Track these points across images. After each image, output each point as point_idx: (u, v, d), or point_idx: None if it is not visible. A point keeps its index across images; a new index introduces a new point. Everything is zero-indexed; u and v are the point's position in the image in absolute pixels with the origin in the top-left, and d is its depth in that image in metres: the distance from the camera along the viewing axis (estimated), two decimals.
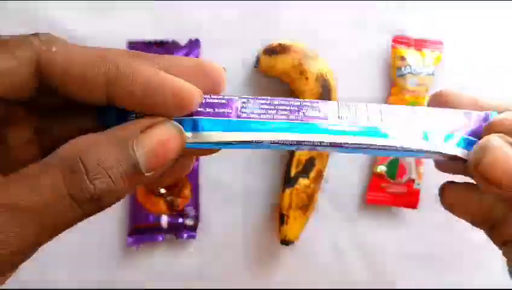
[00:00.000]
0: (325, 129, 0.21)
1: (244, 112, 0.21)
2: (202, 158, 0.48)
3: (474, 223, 0.23)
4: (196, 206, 0.48)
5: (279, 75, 0.47)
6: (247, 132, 0.20)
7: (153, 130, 0.17)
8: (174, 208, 0.47)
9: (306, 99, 0.22)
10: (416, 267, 0.50)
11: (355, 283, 0.50)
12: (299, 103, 0.21)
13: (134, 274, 0.48)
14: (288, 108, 0.21)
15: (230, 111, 0.21)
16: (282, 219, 0.46)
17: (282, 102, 0.21)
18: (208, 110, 0.20)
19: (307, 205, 0.46)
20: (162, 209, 0.47)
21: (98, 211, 0.18)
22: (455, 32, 0.50)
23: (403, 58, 0.48)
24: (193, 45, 0.47)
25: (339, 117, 0.21)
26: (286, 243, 0.47)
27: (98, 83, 0.17)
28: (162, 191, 0.47)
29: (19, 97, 0.18)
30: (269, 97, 0.21)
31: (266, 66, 0.46)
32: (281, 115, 0.21)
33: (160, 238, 0.48)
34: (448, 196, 0.23)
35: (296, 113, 0.21)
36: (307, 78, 0.45)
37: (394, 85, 0.48)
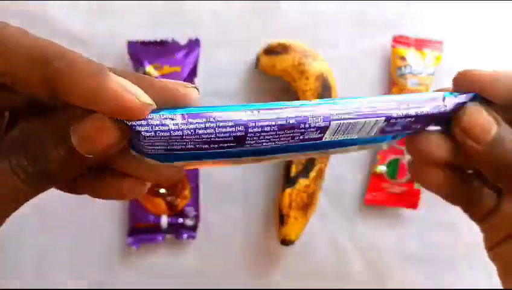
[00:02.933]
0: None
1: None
2: None
3: (448, 199, 0.25)
4: (196, 206, 0.48)
5: (279, 75, 0.47)
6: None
7: (90, 117, 0.18)
8: (174, 208, 0.47)
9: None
10: (416, 267, 0.50)
11: (355, 283, 0.50)
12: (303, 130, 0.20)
13: (134, 274, 0.48)
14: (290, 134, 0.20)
15: None
16: (282, 219, 0.46)
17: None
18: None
19: (307, 205, 0.46)
20: (162, 209, 0.47)
21: (46, 186, 0.19)
22: (455, 32, 0.50)
23: (403, 58, 0.48)
24: (193, 45, 0.47)
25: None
26: (286, 243, 0.47)
27: (38, 85, 0.18)
28: (162, 191, 0.47)
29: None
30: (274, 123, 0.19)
31: (266, 66, 0.46)
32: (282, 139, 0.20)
33: (160, 238, 0.48)
34: (414, 172, 0.25)
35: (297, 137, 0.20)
36: (307, 78, 0.45)
37: (394, 85, 0.48)
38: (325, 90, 0.45)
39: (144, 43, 0.47)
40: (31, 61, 0.17)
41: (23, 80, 0.17)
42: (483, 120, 0.22)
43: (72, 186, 0.22)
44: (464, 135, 0.22)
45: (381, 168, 0.49)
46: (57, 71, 0.17)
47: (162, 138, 0.18)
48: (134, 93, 0.18)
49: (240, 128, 0.18)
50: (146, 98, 0.18)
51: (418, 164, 0.25)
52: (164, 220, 0.47)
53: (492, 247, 0.24)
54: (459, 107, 0.23)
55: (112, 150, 0.19)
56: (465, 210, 0.25)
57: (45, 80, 0.17)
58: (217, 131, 0.18)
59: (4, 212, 0.19)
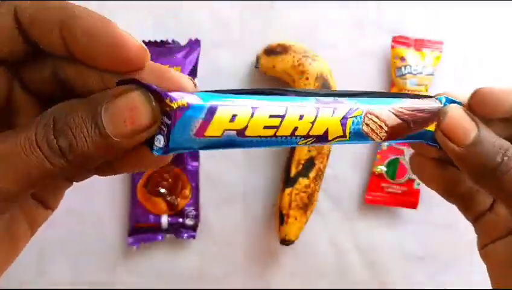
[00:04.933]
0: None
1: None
2: (202, 158, 0.48)
3: (445, 196, 0.26)
4: (196, 206, 0.48)
5: (279, 75, 0.47)
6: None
7: (122, 96, 0.18)
8: (174, 208, 0.48)
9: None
10: (416, 267, 0.50)
11: (355, 283, 0.50)
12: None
13: (134, 274, 0.48)
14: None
15: None
16: (282, 219, 0.46)
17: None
18: None
19: (306, 205, 0.46)
20: (162, 209, 0.47)
21: (68, 170, 0.18)
22: (455, 32, 0.50)
23: (402, 59, 0.48)
24: (193, 45, 0.47)
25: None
26: (286, 243, 0.47)
27: (52, 25, 0.18)
28: (162, 191, 0.47)
29: (14, 56, 0.19)
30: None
31: (266, 66, 0.46)
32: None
33: (160, 238, 0.48)
34: (413, 165, 0.26)
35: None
36: (307, 78, 0.45)
37: (394, 85, 0.49)
38: None
39: (144, 44, 0.46)
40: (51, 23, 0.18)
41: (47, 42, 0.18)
42: (463, 123, 0.22)
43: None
44: (444, 137, 0.22)
45: (381, 168, 0.49)
46: (69, 16, 0.18)
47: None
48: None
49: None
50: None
51: (417, 157, 0.26)
52: (164, 220, 0.47)
53: (484, 246, 0.25)
54: (441, 108, 0.23)
55: (141, 136, 0.18)
56: (461, 209, 0.26)
57: (59, 23, 0.18)
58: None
59: (26, 186, 0.18)
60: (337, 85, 0.46)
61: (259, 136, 0.19)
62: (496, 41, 0.50)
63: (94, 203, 0.48)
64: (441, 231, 0.50)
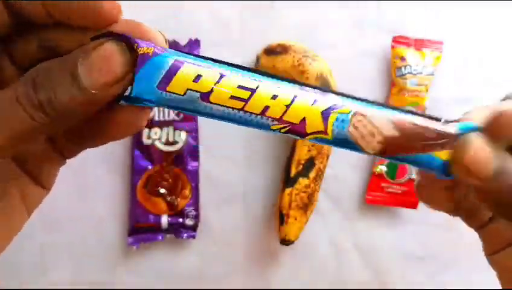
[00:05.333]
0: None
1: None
2: (202, 158, 0.48)
3: (450, 213, 0.25)
4: (196, 206, 0.48)
5: None
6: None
7: (97, 48, 0.19)
8: (174, 208, 0.48)
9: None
10: (416, 267, 0.50)
11: (355, 283, 0.50)
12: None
13: (134, 274, 0.48)
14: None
15: None
16: (282, 219, 0.46)
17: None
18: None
19: (306, 205, 0.46)
20: (162, 209, 0.47)
21: (49, 125, 0.19)
22: (455, 32, 0.50)
23: (402, 58, 0.48)
24: (193, 45, 0.47)
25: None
26: (286, 243, 0.47)
27: None
28: (162, 191, 0.47)
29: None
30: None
31: (266, 66, 0.46)
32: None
33: (160, 238, 0.48)
34: (421, 194, 0.25)
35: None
36: (307, 78, 0.45)
37: (394, 85, 0.48)
38: None
39: None
40: None
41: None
42: (485, 154, 0.20)
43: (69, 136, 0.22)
44: (466, 170, 0.20)
45: (381, 168, 0.49)
46: None
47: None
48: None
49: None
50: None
51: (425, 187, 0.25)
52: (164, 220, 0.47)
53: (491, 254, 0.24)
54: (456, 136, 0.20)
55: (116, 87, 0.19)
56: (464, 220, 0.25)
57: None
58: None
59: (11, 141, 0.19)
60: (337, 85, 0.46)
61: (226, 106, 0.19)
62: (496, 42, 0.50)
63: (94, 203, 0.48)
64: (441, 231, 0.50)
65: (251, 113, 0.19)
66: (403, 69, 0.48)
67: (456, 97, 0.50)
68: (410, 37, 0.48)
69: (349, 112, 0.19)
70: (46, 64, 0.19)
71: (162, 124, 0.47)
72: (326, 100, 0.19)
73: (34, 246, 0.47)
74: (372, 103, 0.20)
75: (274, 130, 0.19)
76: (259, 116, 0.19)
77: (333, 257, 0.50)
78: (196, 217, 0.48)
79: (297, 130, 0.19)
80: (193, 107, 0.19)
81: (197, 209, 0.48)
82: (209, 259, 0.49)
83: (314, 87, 0.20)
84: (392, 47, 0.48)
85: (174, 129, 0.47)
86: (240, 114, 0.19)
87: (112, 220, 0.48)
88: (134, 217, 0.47)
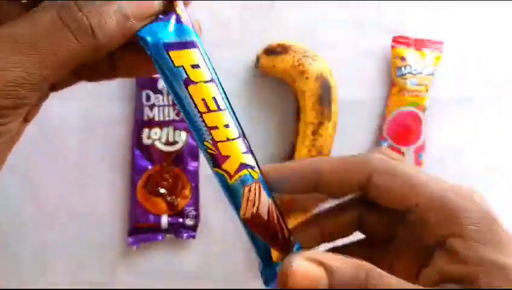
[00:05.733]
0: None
1: None
2: (202, 158, 0.48)
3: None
4: (196, 206, 0.48)
5: (279, 75, 0.47)
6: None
7: None
8: (174, 208, 0.48)
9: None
10: None
11: None
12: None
13: (134, 274, 0.48)
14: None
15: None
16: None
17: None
18: None
19: (306, 205, 0.46)
20: (162, 209, 0.47)
21: (94, 50, 0.19)
22: (455, 32, 0.50)
23: (402, 58, 0.48)
24: None
25: None
26: None
27: None
28: (162, 191, 0.47)
29: None
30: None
31: (266, 66, 0.46)
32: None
33: (160, 238, 0.48)
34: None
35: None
36: (307, 78, 0.45)
37: (394, 85, 0.49)
38: (324, 91, 0.45)
39: None
40: None
41: None
42: (308, 279, 0.20)
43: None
44: None
45: None
46: None
47: None
48: None
49: None
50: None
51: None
52: (164, 220, 0.47)
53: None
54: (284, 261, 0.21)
55: (149, 19, 0.20)
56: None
57: None
58: None
59: (55, 70, 0.18)
60: (337, 85, 0.46)
61: (193, 101, 0.21)
62: (495, 42, 0.50)
63: (94, 203, 0.48)
64: None
65: (203, 121, 0.21)
66: (403, 69, 0.48)
67: (456, 97, 0.50)
68: (410, 37, 0.48)
69: (256, 178, 0.22)
70: None
71: (162, 124, 0.47)
72: (251, 158, 0.22)
73: (34, 246, 0.47)
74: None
75: (203, 145, 0.21)
76: (205, 128, 0.21)
77: None
78: (196, 217, 0.48)
79: (217, 160, 0.22)
80: (171, 80, 0.21)
81: (197, 209, 0.48)
82: (209, 259, 0.49)
83: (249, 146, 0.22)
84: (392, 47, 0.48)
85: (174, 129, 0.47)
86: (195, 115, 0.21)
87: (112, 220, 0.48)
88: (134, 217, 0.47)
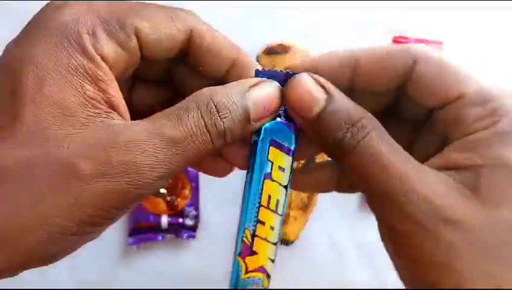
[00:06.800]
0: None
1: None
2: None
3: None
4: (196, 206, 0.48)
5: None
6: None
7: (262, 85, 0.21)
8: (174, 208, 0.48)
9: None
10: None
11: (355, 283, 0.50)
12: None
13: (134, 274, 0.48)
14: None
15: None
16: None
17: None
18: None
19: (306, 205, 0.46)
20: (162, 209, 0.47)
21: (219, 150, 0.22)
22: (455, 32, 0.50)
23: None
24: None
25: None
26: (285, 243, 0.47)
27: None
28: (162, 191, 0.47)
29: (165, 58, 0.22)
30: None
31: (266, 66, 0.46)
32: None
33: (160, 238, 0.48)
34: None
35: None
36: None
37: None
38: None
39: None
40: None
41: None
42: (309, 96, 0.20)
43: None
44: (291, 111, 0.21)
45: None
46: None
47: None
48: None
49: None
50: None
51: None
52: (164, 220, 0.47)
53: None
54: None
55: (266, 120, 0.21)
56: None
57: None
58: None
59: (186, 166, 0.20)
60: None
61: (261, 186, 0.24)
62: (495, 42, 0.50)
63: None
64: None
65: (257, 212, 0.23)
66: None
67: None
68: (410, 37, 0.48)
69: (266, 287, 0.23)
70: (214, 91, 0.20)
71: None
72: (272, 268, 0.23)
73: None
74: None
75: (242, 232, 0.23)
76: (255, 219, 0.23)
77: (333, 257, 0.50)
78: (196, 217, 0.48)
79: (246, 250, 0.23)
80: (255, 166, 0.24)
81: (197, 209, 0.48)
82: (209, 259, 0.49)
83: (276, 258, 0.24)
84: None
85: None
86: (255, 204, 0.23)
87: None
88: (134, 217, 0.47)
